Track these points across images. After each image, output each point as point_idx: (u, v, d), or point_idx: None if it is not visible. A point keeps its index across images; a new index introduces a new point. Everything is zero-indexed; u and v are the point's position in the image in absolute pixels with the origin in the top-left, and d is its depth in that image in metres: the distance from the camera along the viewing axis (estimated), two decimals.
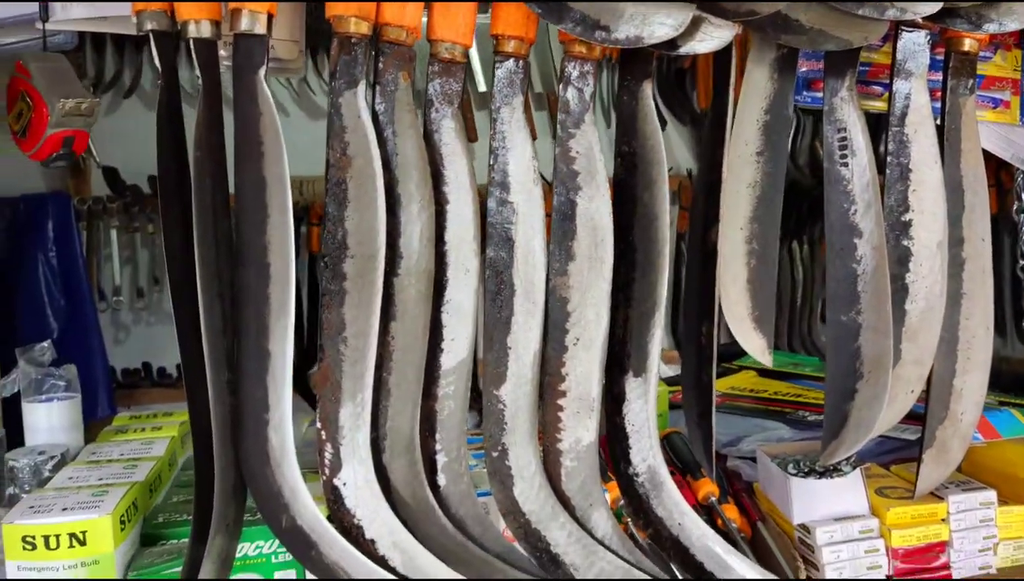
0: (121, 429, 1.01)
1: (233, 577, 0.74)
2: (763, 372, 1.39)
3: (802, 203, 2.22)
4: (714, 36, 0.68)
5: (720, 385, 1.31)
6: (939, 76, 0.86)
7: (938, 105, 0.85)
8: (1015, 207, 1.18)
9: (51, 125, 0.67)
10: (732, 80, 0.78)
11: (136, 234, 2.46)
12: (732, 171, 0.80)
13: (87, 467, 0.85)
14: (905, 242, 0.83)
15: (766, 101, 0.81)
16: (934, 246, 0.82)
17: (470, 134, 2.70)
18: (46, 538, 0.71)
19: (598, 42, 0.70)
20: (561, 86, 0.76)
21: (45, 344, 0.95)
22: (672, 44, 0.69)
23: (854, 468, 0.91)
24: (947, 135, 0.83)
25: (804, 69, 0.91)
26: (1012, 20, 0.73)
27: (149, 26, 0.69)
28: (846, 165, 0.81)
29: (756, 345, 0.82)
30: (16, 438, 0.97)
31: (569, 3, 0.69)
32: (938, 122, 0.84)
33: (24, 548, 0.70)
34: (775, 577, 0.76)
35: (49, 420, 0.91)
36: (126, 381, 2.45)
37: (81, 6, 0.74)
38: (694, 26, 0.68)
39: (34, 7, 0.71)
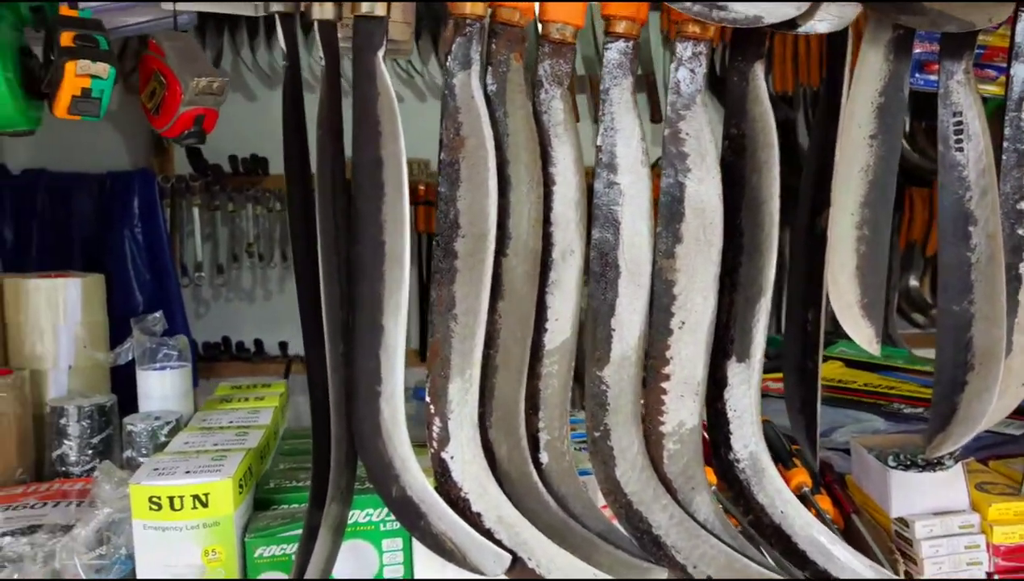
0: (225, 398, 1.05)
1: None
2: (850, 363, 1.37)
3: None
4: (835, 15, 0.67)
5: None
6: None
7: None
8: None
9: (184, 103, 0.70)
10: (847, 62, 0.77)
11: (217, 212, 2.54)
12: (844, 155, 0.79)
13: (200, 433, 0.89)
14: (1020, 231, 0.80)
15: (881, 83, 0.79)
16: None
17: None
18: (171, 499, 0.74)
19: (715, 21, 0.70)
20: (672, 66, 0.76)
21: (158, 314, 1.00)
22: (791, 23, 0.68)
23: (956, 462, 0.89)
24: None
25: (918, 51, 0.88)
26: None
27: (276, 8, 0.71)
28: (961, 150, 0.79)
29: (864, 334, 0.81)
30: (125, 404, 1.02)
31: None
32: None
33: (150, 508, 0.74)
34: (884, 572, 0.75)
35: (163, 387, 0.95)
36: (207, 354, 2.54)
37: None
38: (814, 5, 0.67)
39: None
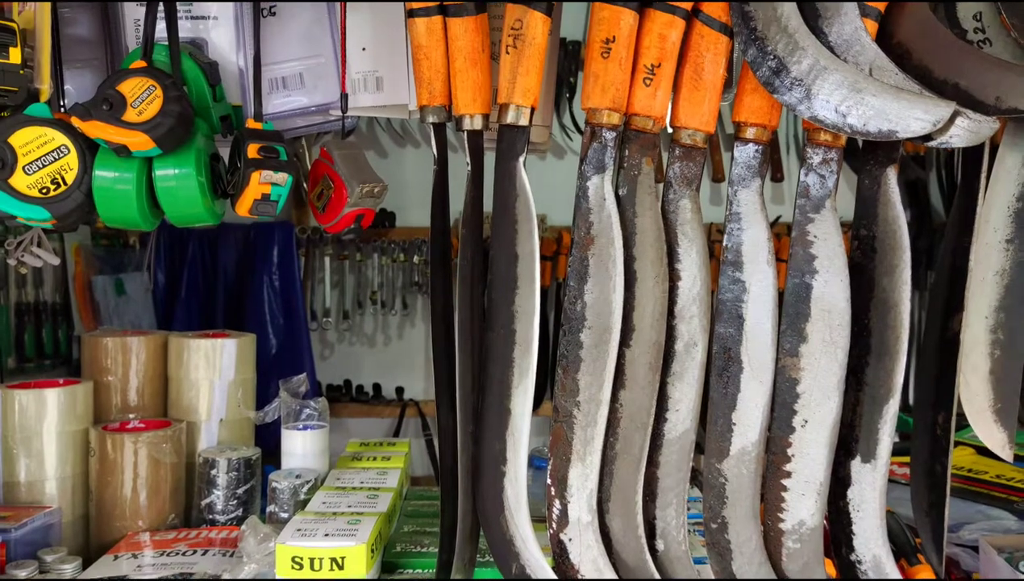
0: (356, 456, 1.12)
1: None
2: (981, 450, 1.30)
3: None
4: (971, 130, 0.67)
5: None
6: None
7: None
8: None
9: (348, 205, 0.78)
10: (984, 166, 0.76)
11: (345, 262, 2.70)
12: (979, 258, 0.78)
13: (336, 493, 0.96)
14: None
15: (1019, 187, 0.78)
16: None
17: (717, 174, 2.74)
18: (312, 560, 0.81)
19: (847, 133, 0.72)
20: (802, 170, 0.78)
21: (302, 376, 1.08)
22: (926, 137, 0.69)
23: None
24: None
25: None
26: None
27: (431, 119, 0.79)
28: None
29: (997, 439, 0.79)
30: (263, 450, 1.11)
31: (820, 97, 0.71)
32: None
33: (293, 567, 0.81)
34: None
35: (304, 446, 1.04)
36: (329, 395, 2.68)
37: (368, 95, 0.85)
38: (951, 120, 0.68)
39: (331, 97, 0.83)
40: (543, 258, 2.61)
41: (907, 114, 0.67)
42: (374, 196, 0.80)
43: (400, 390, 2.72)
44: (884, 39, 0.74)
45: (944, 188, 2.96)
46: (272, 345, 2.47)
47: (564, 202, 0.88)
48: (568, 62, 2.50)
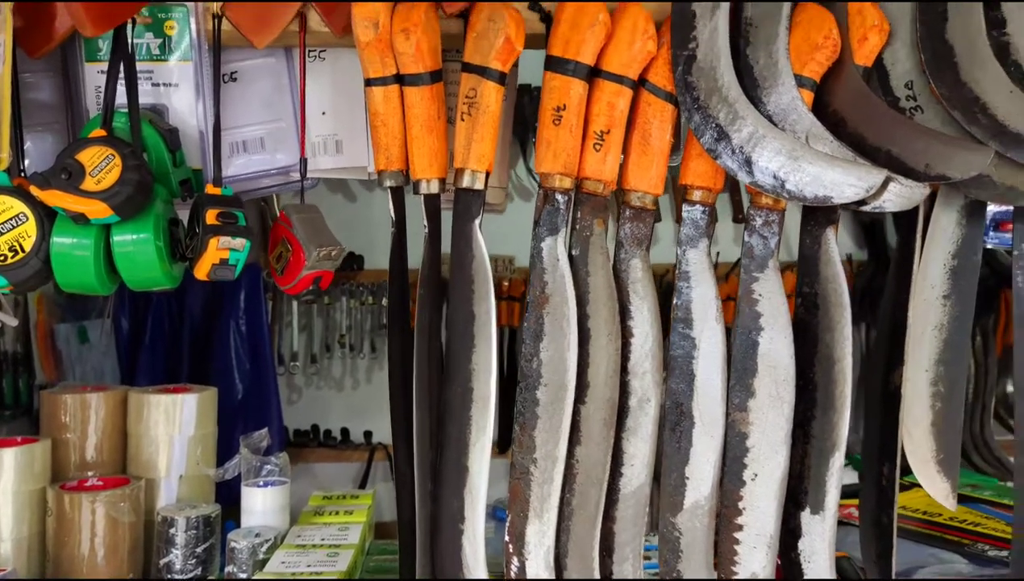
0: (318, 511, 1.12)
1: None
2: None
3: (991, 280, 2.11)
4: (903, 196, 0.71)
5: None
6: None
7: None
8: None
9: (306, 268, 0.80)
10: (919, 225, 0.80)
11: (313, 305, 2.70)
12: (918, 314, 0.82)
13: (296, 552, 0.96)
14: None
15: (954, 245, 0.82)
16: None
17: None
18: None
19: (785, 199, 0.75)
20: (746, 232, 0.81)
21: (263, 431, 1.08)
22: (860, 202, 0.72)
23: None
24: None
25: (992, 209, 0.91)
26: None
27: (388, 183, 0.81)
28: None
29: (940, 489, 0.81)
30: (229, 511, 1.11)
31: (760, 164, 0.74)
32: None
33: None
34: None
35: (264, 503, 1.03)
36: (297, 441, 2.65)
37: (329, 158, 0.87)
38: (884, 185, 0.71)
39: (292, 160, 0.85)
40: (512, 299, 2.63)
41: (841, 181, 0.71)
42: (331, 259, 0.82)
43: (368, 434, 2.71)
44: (820, 108, 0.78)
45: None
46: (238, 391, 2.44)
47: None
48: (534, 108, 2.55)
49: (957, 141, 0.72)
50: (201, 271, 0.74)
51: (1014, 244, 0.81)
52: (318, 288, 0.83)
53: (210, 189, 0.78)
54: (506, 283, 2.64)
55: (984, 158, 0.69)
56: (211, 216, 0.73)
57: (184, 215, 0.81)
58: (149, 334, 2.56)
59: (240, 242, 0.73)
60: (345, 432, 2.70)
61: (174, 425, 1.13)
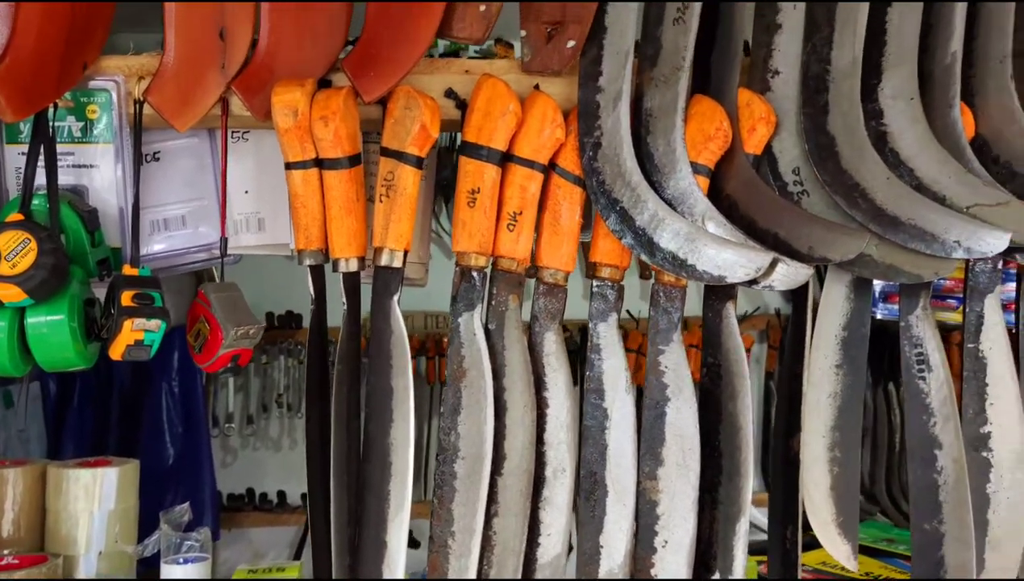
0: None
1: None
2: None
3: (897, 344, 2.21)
4: (789, 276, 0.76)
5: (810, 559, 1.31)
6: (1013, 288, 0.91)
7: (1012, 318, 0.90)
8: None
9: (224, 347, 0.81)
10: (809, 300, 0.86)
11: (250, 364, 2.66)
12: (812, 382, 0.87)
13: None
14: (984, 454, 0.86)
15: (844, 318, 0.87)
16: (1014, 458, 0.85)
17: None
18: None
19: (684, 277, 0.80)
20: (651, 308, 0.86)
21: (184, 506, 1.07)
22: (752, 281, 0.77)
23: None
24: (1022, 350, 0.87)
25: (880, 283, 0.97)
26: None
27: (308, 262, 0.83)
28: (924, 379, 0.86)
29: (841, 551, 0.86)
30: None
31: (660, 244, 0.79)
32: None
33: None
34: None
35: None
36: (231, 505, 2.59)
37: (251, 235, 0.89)
38: (772, 267, 0.76)
39: (215, 237, 0.87)
40: (431, 358, 2.63)
41: (734, 262, 0.76)
42: (249, 337, 0.83)
43: (306, 496, 2.66)
44: (715, 192, 0.84)
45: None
46: (170, 455, 2.38)
47: None
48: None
49: (837, 226, 0.78)
50: (116, 352, 0.74)
51: (900, 316, 0.87)
52: (236, 365, 0.84)
53: (127, 270, 0.79)
54: (446, 339, 2.65)
55: (860, 243, 0.75)
56: (126, 298, 0.74)
57: (103, 293, 0.82)
58: (77, 396, 2.49)
59: (155, 323, 0.74)
60: (282, 495, 2.65)
61: (94, 500, 1.11)
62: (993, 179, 0.83)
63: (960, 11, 0.83)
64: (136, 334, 0.73)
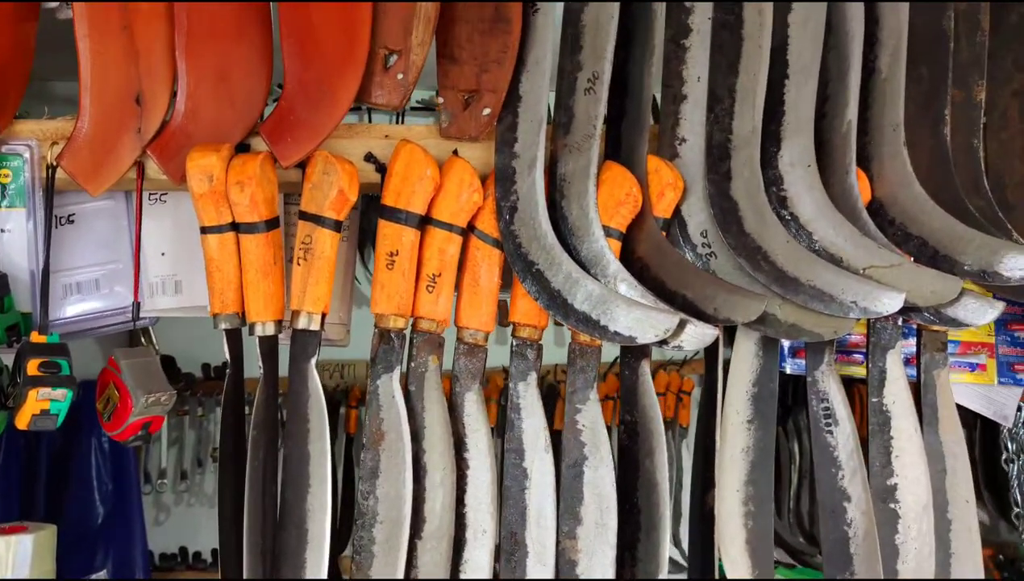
0: None
1: None
2: None
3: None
4: (697, 337, 0.79)
5: None
6: (914, 343, 0.95)
7: (915, 371, 0.94)
8: (1003, 457, 1.24)
9: (133, 415, 0.79)
10: (719, 359, 0.88)
11: (185, 417, 2.59)
12: (725, 438, 0.89)
13: None
14: (892, 505, 0.89)
15: (753, 374, 0.90)
16: (920, 509, 0.88)
17: (504, 319, 2.85)
18: None
19: (597, 338, 0.81)
20: (569, 368, 0.87)
21: (101, 574, 1.04)
22: (662, 342, 0.80)
23: None
24: (924, 404, 0.91)
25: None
26: (971, 316, 0.83)
27: (223, 326, 0.82)
28: (831, 433, 0.89)
29: None
30: None
31: (574, 306, 0.81)
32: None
33: None
34: None
35: None
36: (163, 565, 2.49)
37: (167, 298, 0.88)
38: (680, 328, 0.79)
39: (129, 301, 0.86)
40: (352, 407, 2.59)
41: (643, 323, 0.78)
42: (161, 404, 0.82)
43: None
44: (627, 254, 0.86)
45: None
46: (99, 514, 2.29)
47: None
48: None
49: (739, 289, 0.81)
50: (21, 422, 0.73)
51: (807, 371, 0.91)
52: (147, 433, 0.82)
53: (35, 337, 0.77)
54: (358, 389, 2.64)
55: (760, 305, 0.79)
56: (32, 366, 0.73)
57: (12, 358, 0.80)
58: (3, 453, 2.39)
59: (61, 393, 0.73)
60: (215, 554, 2.57)
61: (7, 568, 1.07)
62: (890, 241, 0.87)
63: (854, 84, 0.89)
64: (42, 403, 0.72)
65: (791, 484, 2.45)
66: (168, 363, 2.57)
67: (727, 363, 0.90)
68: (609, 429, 0.88)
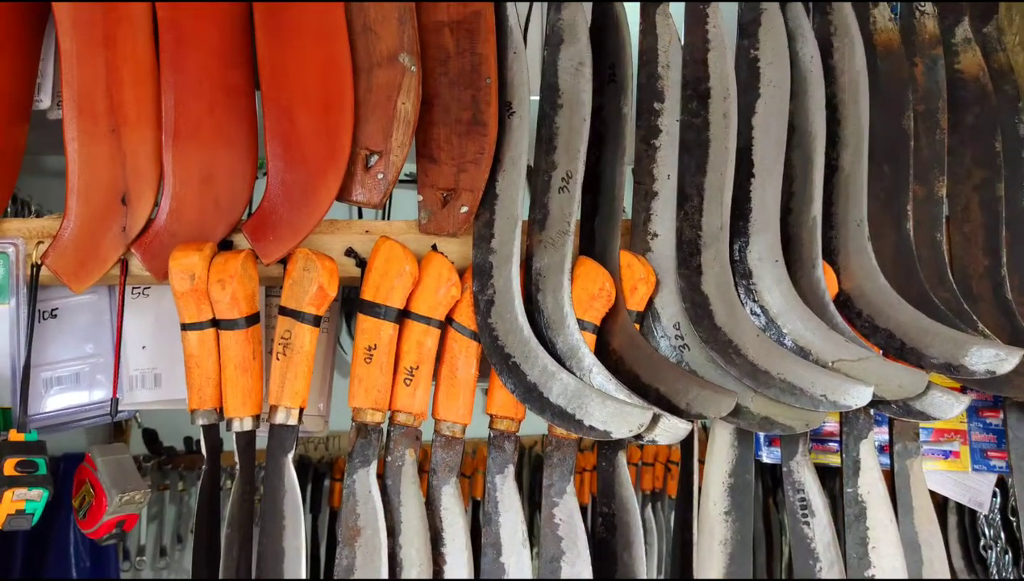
0: None
1: None
2: None
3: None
4: (670, 431, 0.80)
5: None
6: (887, 430, 0.96)
7: (888, 459, 0.94)
8: (981, 544, 1.24)
9: (108, 513, 0.79)
10: (695, 453, 0.89)
11: (166, 492, 2.56)
12: (703, 530, 0.89)
13: None
14: None
15: (730, 465, 0.91)
16: None
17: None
18: None
19: (574, 432, 0.82)
20: (545, 461, 0.88)
21: None
22: (637, 436, 0.81)
23: None
24: (898, 494, 0.92)
25: None
26: (938, 410, 0.84)
27: (201, 421, 0.83)
28: (808, 524, 0.89)
29: None
30: None
31: (550, 399, 0.82)
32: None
33: None
34: None
35: None
36: None
37: (147, 391, 0.89)
38: (654, 422, 0.80)
39: (109, 395, 0.86)
40: (337, 479, 2.54)
41: (617, 417, 0.79)
42: (135, 503, 0.82)
43: None
44: (602, 346, 0.88)
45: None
46: None
47: None
48: None
49: (711, 384, 0.82)
50: None
51: (782, 461, 0.91)
52: (121, 531, 0.82)
53: (13, 435, 0.78)
54: (342, 461, 2.61)
55: (731, 401, 0.80)
56: (9, 466, 0.73)
57: None
58: None
59: (37, 493, 0.73)
60: None
61: None
62: (857, 333, 0.89)
63: (818, 181, 0.92)
64: (17, 504, 0.72)
65: (783, 555, 2.43)
66: (150, 437, 2.55)
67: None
68: (584, 508, 0.89)
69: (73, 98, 0.84)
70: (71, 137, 0.84)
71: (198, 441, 2.73)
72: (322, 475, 2.53)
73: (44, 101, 0.91)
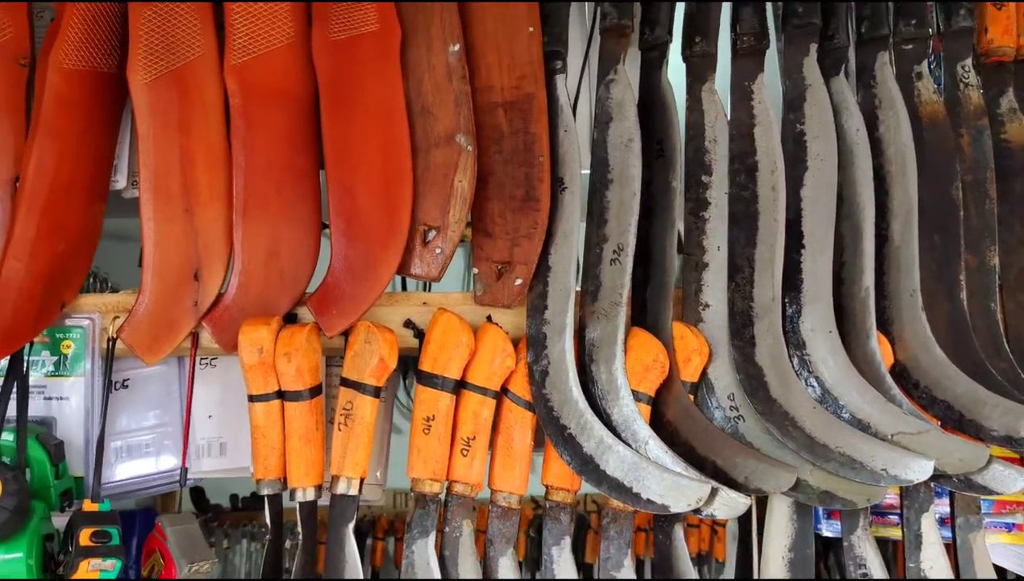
0: None
1: None
2: None
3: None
4: (729, 505, 0.80)
5: None
6: (947, 502, 0.95)
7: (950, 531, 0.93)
8: None
9: None
10: (754, 526, 0.88)
11: (211, 548, 2.57)
12: None
13: None
14: None
15: (789, 540, 0.90)
16: None
17: None
18: None
19: (631, 505, 0.83)
20: (602, 534, 0.88)
21: None
22: (696, 511, 0.81)
23: None
24: (961, 569, 0.90)
25: None
26: (1000, 484, 0.83)
27: (267, 491, 0.85)
28: None
29: None
30: None
31: (607, 472, 0.83)
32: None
33: None
34: None
35: None
36: None
37: (212, 460, 0.92)
38: (712, 496, 0.80)
39: (177, 464, 0.89)
40: (379, 538, 2.53)
41: (675, 491, 0.79)
42: (202, 573, 0.84)
43: None
44: (657, 417, 0.89)
45: None
46: None
47: None
48: None
49: (769, 458, 0.82)
50: None
51: (843, 535, 0.90)
52: None
53: (87, 505, 0.81)
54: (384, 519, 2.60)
55: (791, 477, 0.80)
56: (84, 536, 0.75)
57: (63, 520, 0.83)
58: None
59: (111, 564, 0.75)
60: None
61: None
62: (915, 405, 0.89)
63: (868, 252, 0.93)
64: (92, 574, 0.74)
65: None
66: (197, 494, 2.58)
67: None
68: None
69: (150, 179, 0.89)
70: (147, 217, 0.88)
71: (244, 499, 2.76)
72: (364, 534, 2.53)
73: (120, 181, 0.96)
